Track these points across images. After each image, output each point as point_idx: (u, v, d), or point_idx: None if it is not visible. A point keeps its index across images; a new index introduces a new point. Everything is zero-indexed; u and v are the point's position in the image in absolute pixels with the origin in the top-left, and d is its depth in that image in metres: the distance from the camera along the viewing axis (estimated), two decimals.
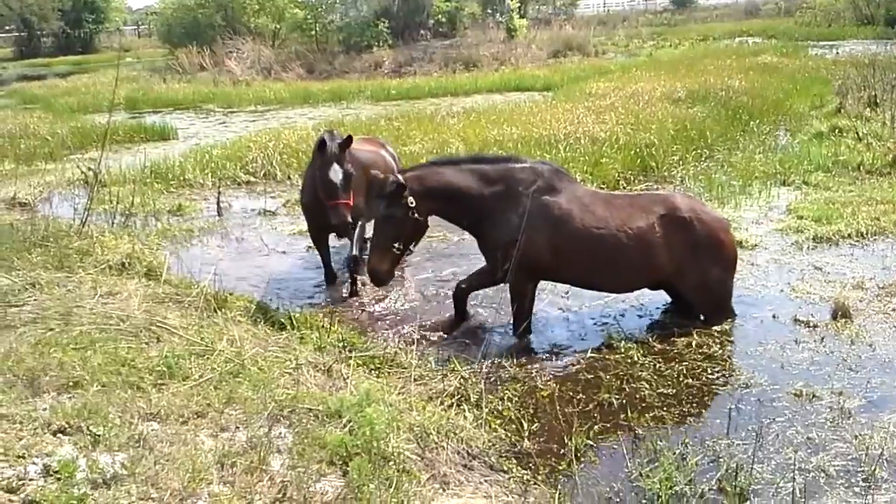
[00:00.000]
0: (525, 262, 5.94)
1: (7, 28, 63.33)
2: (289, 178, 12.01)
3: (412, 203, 5.93)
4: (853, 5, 37.67)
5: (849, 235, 7.95)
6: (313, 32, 34.65)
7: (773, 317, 6.29)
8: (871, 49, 23.33)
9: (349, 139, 6.74)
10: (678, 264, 6.10)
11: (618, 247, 5.98)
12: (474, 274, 6.46)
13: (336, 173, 6.57)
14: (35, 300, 5.75)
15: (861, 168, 10.62)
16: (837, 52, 24.86)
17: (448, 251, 8.60)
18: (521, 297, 6.20)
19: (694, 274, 6.12)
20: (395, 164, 8.12)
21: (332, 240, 7.61)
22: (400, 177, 5.98)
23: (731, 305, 6.32)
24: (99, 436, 3.64)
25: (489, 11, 37.30)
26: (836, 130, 12.87)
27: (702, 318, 6.28)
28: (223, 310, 6.15)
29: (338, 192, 6.59)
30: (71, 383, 4.28)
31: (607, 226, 5.99)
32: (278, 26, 37.75)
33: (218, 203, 10.43)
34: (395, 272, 8.08)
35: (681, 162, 11.36)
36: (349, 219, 6.64)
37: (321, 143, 6.69)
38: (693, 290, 6.23)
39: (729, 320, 6.22)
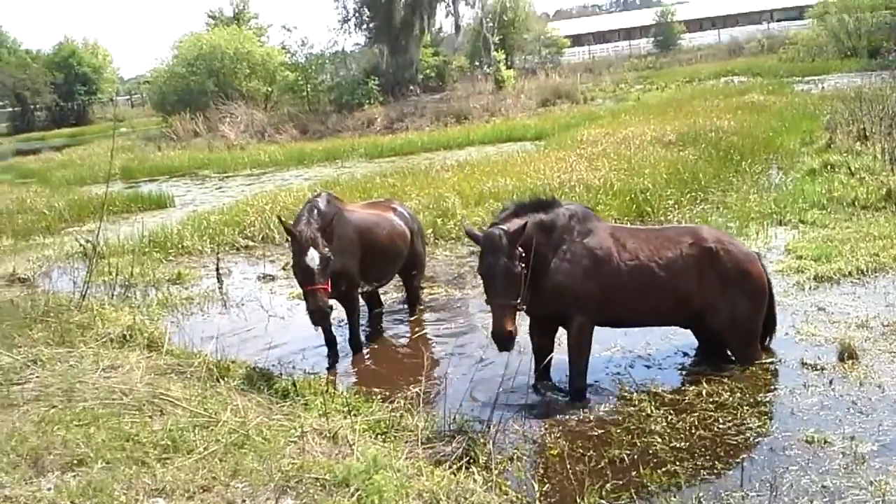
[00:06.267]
0: (586, 307, 5.92)
1: (1, 104, 64.27)
2: (287, 240, 11.96)
3: (522, 253, 5.66)
4: (835, 39, 38.16)
5: (849, 273, 7.90)
6: (305, 93, 35.18)
7: (781, 360, 6.24)
8: (855, 82, 23.56)
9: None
10: (707, 296, 6.10)
11: (651, 277, 6.00)
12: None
13: (312, 259, 6.40)
14: (37, 377, 5.73)
15: (856, 203, 10.60)
16: (823, 87, 25.09)
17: (449, 306, 8.59)
18: (586, 347, 6.07)
19: (724, 307, 6.10)
20: (405, 225, 8.02)
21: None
22: (505, 226, 5.67)
23: (758, 344, 6.28)
24: None
25: (476, 64, 37.88)
26: (828, 166, 12.89)
27: (732, 357, 6.25)
28: (226, 378, 6.11)
29: (314, 277, 6.42)
30: (75, 461, 4.25)
31: (638, 258, 6.03)
32: (270, 89, 38.41)
33: (217, 270, 10.42)
34: (399, 330, 8.13)
35: (676, 205, 11.37)
36: (325, 306, 6.45)
37: (292, 231, 6.52)
38: (723, 325, 6.19)
39: (754, 362, 6.17)
